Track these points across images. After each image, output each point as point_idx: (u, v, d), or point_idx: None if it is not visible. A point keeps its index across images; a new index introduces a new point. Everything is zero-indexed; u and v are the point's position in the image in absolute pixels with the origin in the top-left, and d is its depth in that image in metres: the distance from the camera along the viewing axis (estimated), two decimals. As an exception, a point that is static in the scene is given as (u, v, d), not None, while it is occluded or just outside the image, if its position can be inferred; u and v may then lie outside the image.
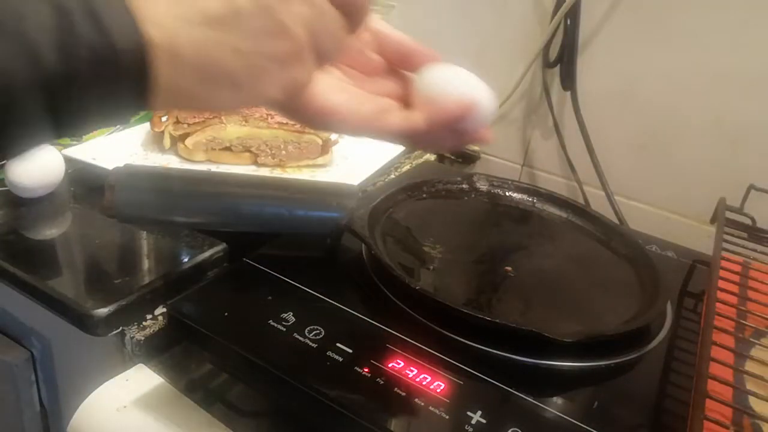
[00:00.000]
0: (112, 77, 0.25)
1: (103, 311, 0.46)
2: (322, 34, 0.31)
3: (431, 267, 0.52)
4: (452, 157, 0.88)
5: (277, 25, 0.28)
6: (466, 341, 0.43)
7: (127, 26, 0.25)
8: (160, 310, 0.49)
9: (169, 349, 0.49)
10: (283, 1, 0.28)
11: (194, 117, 0.68)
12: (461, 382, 0.39)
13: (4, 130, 0.25)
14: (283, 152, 0.69)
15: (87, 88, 0.25)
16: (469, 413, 0.37)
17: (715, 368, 0.37)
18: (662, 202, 0.75)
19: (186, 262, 0.53)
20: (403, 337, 0.43)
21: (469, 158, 0.87)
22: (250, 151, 0.69)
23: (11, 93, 0.23)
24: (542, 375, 0.42)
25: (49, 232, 0.58)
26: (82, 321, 0.46)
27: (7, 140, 0.25)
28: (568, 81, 0.76)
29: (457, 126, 0.35)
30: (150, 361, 0.48)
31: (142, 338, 0.47)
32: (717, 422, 0.34)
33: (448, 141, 0.38)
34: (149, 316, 0.49)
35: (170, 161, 0.69)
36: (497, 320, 0.43)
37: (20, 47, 0.23)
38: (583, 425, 0.37)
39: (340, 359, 0.40)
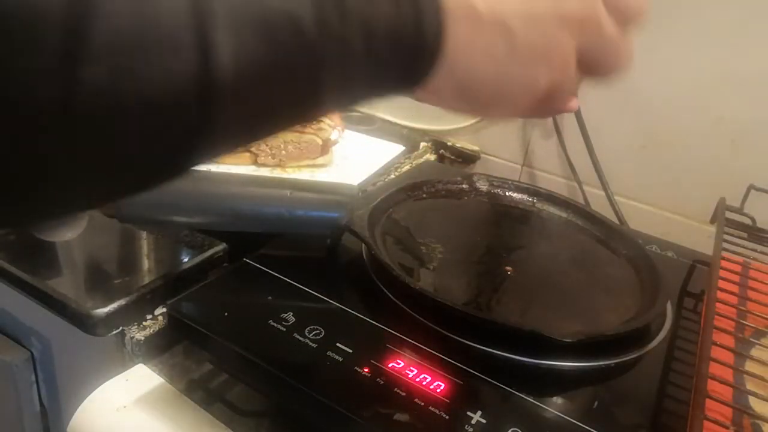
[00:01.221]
0: (410, 53, 0.27)
1: (102, 311, 0.46)
2: (566, 83, 0.33)
3: (431, 267, 0.52)
4: (452, 157, 0.88)
5: (541, 61, 0.31)
6: (466, 341, 0.43)
7: (434, 13, 0.27)
8: (160, 310, 0.49)
9: (169, 349, 0.49)
10: (558, 45, 0.31)
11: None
12: (461, 382, 0.39)
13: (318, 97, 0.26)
14: (283, 152, 0.69)
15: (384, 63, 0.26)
16: (469, 413, 0.37)
17: (715, 368, 0.37)
18: (662, 202, 0.75)
19: (186, 262, 0.53)
20: (403, 337, 0.43)
21: (469, 158, 0.87)
22: (250, 151, 0.69)
23: (347, 66, 0.25)
24: (542, 375, 0.42)
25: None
26: (82, 321, 0.46)
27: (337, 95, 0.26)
28: (568, 81, 0.76)
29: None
30: (150, 361, 0.48)
31: (142, 338, 0.47)
32: (717, 422, 0.34)
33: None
34: (149, 316, 0.49)
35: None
36: (497, 320, 0.43)
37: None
38: (583, 425, 0.37)
39: (340, 359, 0.40)
